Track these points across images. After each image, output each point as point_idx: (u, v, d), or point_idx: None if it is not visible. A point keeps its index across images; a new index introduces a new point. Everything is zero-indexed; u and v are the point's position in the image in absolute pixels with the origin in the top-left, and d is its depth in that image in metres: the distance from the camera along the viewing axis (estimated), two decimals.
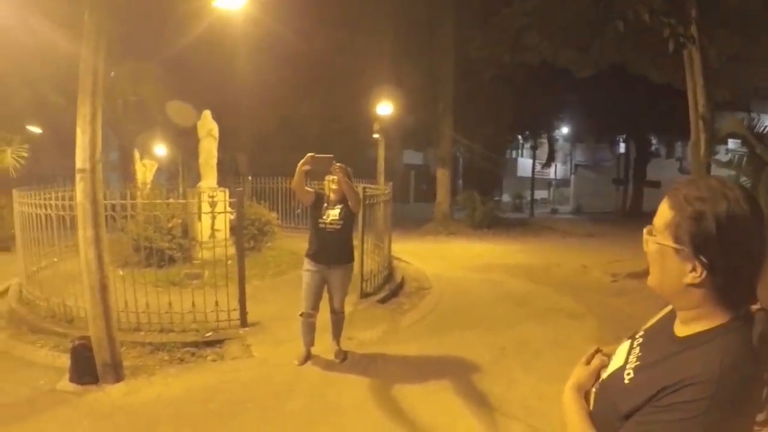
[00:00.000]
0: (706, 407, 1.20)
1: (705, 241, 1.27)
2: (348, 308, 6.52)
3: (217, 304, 6.87)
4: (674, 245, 1.33)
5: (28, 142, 13.88)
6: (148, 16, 14.35)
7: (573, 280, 11.19)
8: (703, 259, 1.28)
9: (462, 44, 19.90)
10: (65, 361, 5.89)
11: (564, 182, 42.98)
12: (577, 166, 41.51)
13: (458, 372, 5.94)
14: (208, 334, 6.73)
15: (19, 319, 7.72)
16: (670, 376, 1.28)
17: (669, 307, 1.50)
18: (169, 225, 10.09)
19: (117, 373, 5.74)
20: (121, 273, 7.35)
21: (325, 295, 6.09)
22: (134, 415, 5.06)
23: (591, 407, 1.53)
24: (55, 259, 8.40)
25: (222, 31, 14.77)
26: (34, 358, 6.45)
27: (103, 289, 5.66)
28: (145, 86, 18.02)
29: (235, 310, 7.04)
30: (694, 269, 1.30)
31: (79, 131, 5.45)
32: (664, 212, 1.37)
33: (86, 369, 5.68)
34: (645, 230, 1.42)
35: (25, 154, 13.49)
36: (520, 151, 40.27)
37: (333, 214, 5.92)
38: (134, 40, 15.31)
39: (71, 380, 5.69)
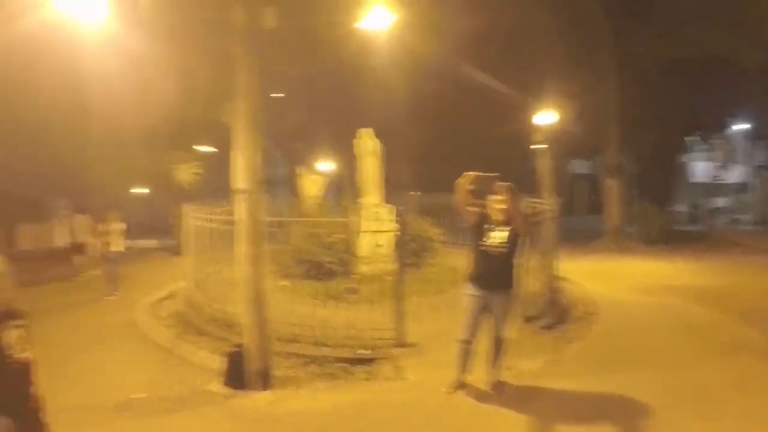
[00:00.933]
0: None
1: None
2: (509, 334, 6.13)
3: (373, 321, 6.80)
4: None
5: (200, 160, 14.98)
6: (299, 43, 14.76)
7: (761, 307, 9.78)
8: None
9: (622, 41, 18.68)
10: (220, 364, 6.14)
11: (744, 187, 39.05)
12: (759, 167, 37.50)
13: (624, 416, 5.29)
14: (362, 352, 6.68)
15: (185, 320, 8.35)
16: None
17: None
18: (331, 240, 10.23)
19: (266, 382, 5.92)
20: (282, 284, 7.57)
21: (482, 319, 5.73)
22: (278, 424, 5.14)
23: None
24: (220, 268, 8.84)
25: (371, 48, 14.89)
26: (193, 359, 6.93)
27: (259, 302, 5.88)
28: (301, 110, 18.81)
29: (391, 329, 6.92)
30: None
31: (238, 153, 5.67)
32: None
33: (238, 374, 5.92)
34: None
35: (199, 171, 14.57)
36: (692, 154, 37.20)
37: (498, 236, 5.49)
38: (288, 65, 15.91)
39: (223, 383, 5.97)
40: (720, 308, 9.66)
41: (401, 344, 6.95)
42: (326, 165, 20.91)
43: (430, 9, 14.49)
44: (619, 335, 8.14)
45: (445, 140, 21.19)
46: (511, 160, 17.14)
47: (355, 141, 11.89)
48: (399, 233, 7.38)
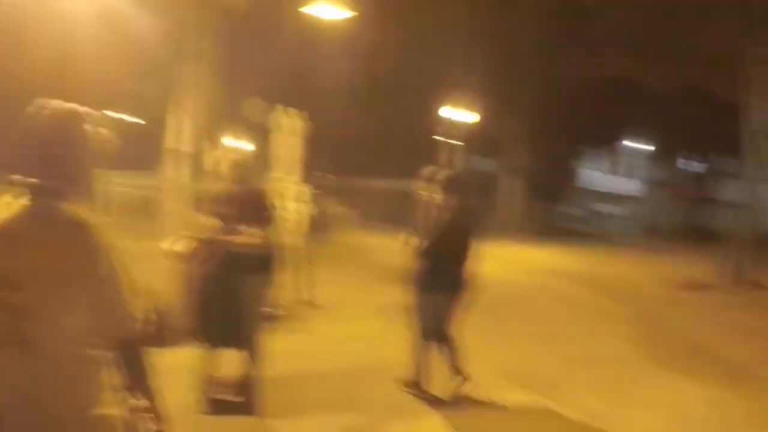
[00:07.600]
0: None
1: None
2: None
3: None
4: None
5: None
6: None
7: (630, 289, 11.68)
8: None
9: (549, 54, 20.16)
10: None
11: (633, 198, 41.96)
12: (648, 181, 40.48)
13: None
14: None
15: None
16: None
17: None
18: None
19: None
20: None
21: None
22: None
23: None
24: None
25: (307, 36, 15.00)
26: None
27: None
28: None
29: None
30: None
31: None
32: None
33: None
34: None
35: None
36: (589, 163, 39.72)
37: None
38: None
39: None
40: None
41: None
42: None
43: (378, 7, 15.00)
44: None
45: (373, 129, 21.59)
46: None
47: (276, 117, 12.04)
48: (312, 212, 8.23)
